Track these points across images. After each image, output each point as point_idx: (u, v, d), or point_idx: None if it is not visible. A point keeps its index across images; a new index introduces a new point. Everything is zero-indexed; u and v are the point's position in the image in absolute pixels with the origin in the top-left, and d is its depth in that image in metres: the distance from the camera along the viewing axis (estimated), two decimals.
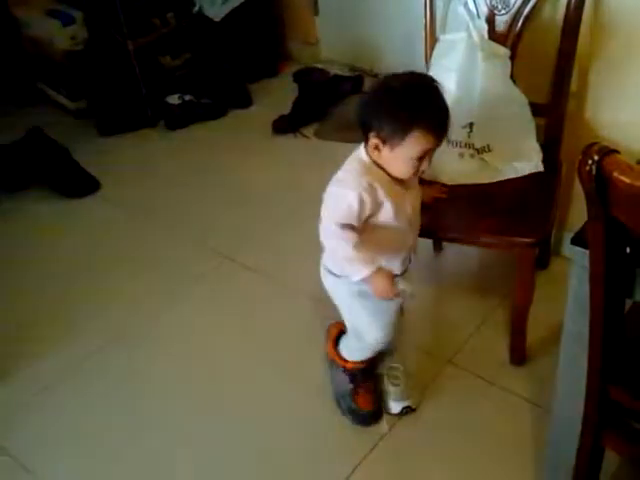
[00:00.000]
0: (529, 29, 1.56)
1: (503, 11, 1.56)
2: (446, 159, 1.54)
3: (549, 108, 1.59)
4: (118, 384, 1.69)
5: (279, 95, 2.68)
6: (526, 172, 1.56)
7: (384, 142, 1.19)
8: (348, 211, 1.21)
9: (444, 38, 1.58)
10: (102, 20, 2.56)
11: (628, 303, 1.02)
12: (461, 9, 1.55)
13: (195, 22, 2.72)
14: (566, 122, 1.60)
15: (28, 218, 2.27)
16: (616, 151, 0.82)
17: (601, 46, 1.56)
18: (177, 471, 1.50)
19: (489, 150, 1.56)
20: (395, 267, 1.33)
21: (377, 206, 1.23)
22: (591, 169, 0.81)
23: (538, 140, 1.58)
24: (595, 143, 0.82)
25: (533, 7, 1.54)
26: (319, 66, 2.75)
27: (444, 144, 1.52)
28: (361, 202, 1.20)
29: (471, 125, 1.54)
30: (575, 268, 1.02)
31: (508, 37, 1.56)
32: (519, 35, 1.56)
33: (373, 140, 1.20)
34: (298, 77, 2.73)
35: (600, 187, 0.82)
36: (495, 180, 1.56)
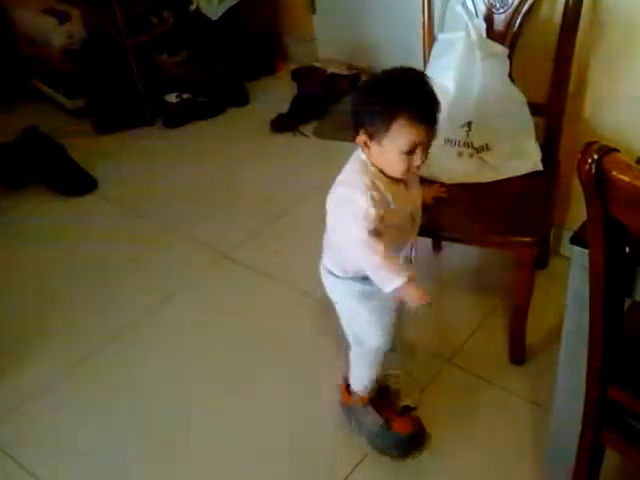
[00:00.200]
0: (527, 28, 1.56)
1: (501, 10, 1.56)
2: (445, 158, 1.54)
3: (548, 107, 1.59)
4: (117, 384, 1.69)
5: (277, 93, 2.68)
6: (525, 171, 1.56)
7: (371, 137, 1.17)
8: (367, 215, 1.16)
9: (442, 37, 1.58)
10: (99, 18, 2.55)
11: (627, 302, 1.02)
12: (459, 8, 1.55)
13: (192, 20, 2.71)
14: (565, 121, 1.60)
15: (25, 217, 2.26)
16: (615, 150, 0.81)
17: (600, 44, 1.56)
18: (177, 471, 1.50)
19: (488, 149, 1.56)
20: None
21: (386, 204, 1.19)
22: (590, 168, 0.81)
23: (537, 139, 1.58)
24: (594, 142, 0.82)
25: (531, 6, 1.54)
26: (317, 64, 2.75)
27: (442, 143, 1.54)
28: (374, 202, 1.17)
29: (469, 124, 1.53)
30: (574, 267, 1.02)
31: (506, 36, 1.56)
32: (517, 34, 1.56)
33: (362, 137, 1.18)
34: (296, 75, 2.73)
35: (599, 186, 0.82)
36: (494, 179, 1.56)
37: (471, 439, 1.48)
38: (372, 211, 1.16)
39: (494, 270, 1.86)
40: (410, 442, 1.44)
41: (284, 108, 2.56)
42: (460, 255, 1.92)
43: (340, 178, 1.24)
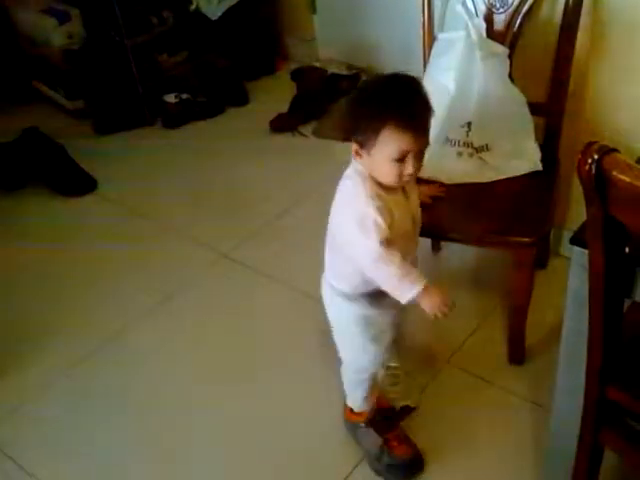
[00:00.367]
0: (527, 28, 1.56)
1: (501, 10, 1.56)
2: (444, 158, 1.54)
3: (548, 107, 1.59)
4: (117, 384, 1.69)
5: (276, 93, 2.68)
6: (524, 171, 1.56)
7: (361, 146, 1.14)
8: (378, 228, 1.13)
9: (442, 37, 1.58)
10: (99, 18, 2.55)
11: (627, 303, 1.02)
12: (459, 7, 1.55)
13: (192, 20, 2.71)
14: (564, 121, 1.60)
15: (25, 217, 2.26)
16: (616, 150, 0.81)
17: (600, 44, 1.56)
18: (177, 471, 1.50)
19: (487, 149, 1.56)
20: None
21: (390, 213, 1.16)
22: (591, 168, 0.81)
23: (536, 139, 1.58)
24: (595, 142, 0.82)
25: (531, 5, 1.54)
26: (316, 64, 2.75)
27: (442, 143, 1.54)
28: (381, 212, 1.14)
29: (469, 124, 1.53)
30: (574, 267, 1.02)
31: (506, 36, 1.56)
32: (517, 34, 1.56)
33: (353, 146, 1.16)
34: (295, 75, 2.73)
35: (599, 186, 0.82)
36: (493, 179, 1.56)
37: (470, 439, 1.47)
38: (380, 221, 1.13)
39: (493, 270, 1.86)
40: (407, 469, 1.42)
41: (284, 108, 2.56)
42: (459, 255, 1.92)
43: (341, 193, 1.21)
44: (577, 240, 0.98)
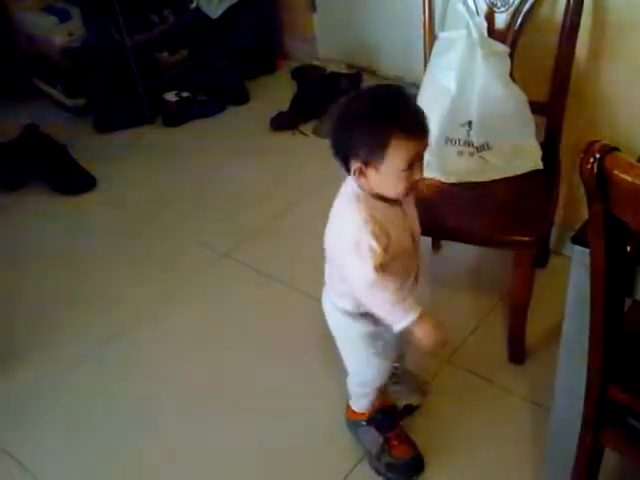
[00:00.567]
0: (529, 27, 1.56)
1: (502, 8, 1.56)
2: (445, 157, 1.53)
3: (548, 106, 1.59)
4: (117, 384, 1.69)
5: (277, 92, 2.68)
6: (525, 170, 1.56)
7: (366, 164, 1.11)
8: (373, 254, 1.12)
9: (443, 36, 1.58)
10: (99, 16, 2.55)
11: (628, 302, 1.02)
12: (460, 6, 1.55)
13: (192, 19, 2.70)
14: (565, 120, 1.60)
15: (25, 215, 2.26)
16: (617, 149, 0.81)
17: (601, 43, 1.56)
18: (177, 471, 1.49)
19: (488, 148, 1.55)
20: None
21: (387, 234, 1.14)
22: (592, 167, 0.81)
23: (537, 138, 1.57)
24: (596, 141, 0.82)
25: (533, 4, 1.54)
26: (316, 63, 2.75)
27: (443, 142, 1.54)
28: (376, 237, 1.12)
29: (470, 123, 1.53)
30: (575, 266, 1.02)
31: (507, 35, 1.56)
32: (518, 33, 1.56)
33: (355, 166, 1.12)
34: (296, 74, 2.73)
35: (601, 185, 0.82)
36: (494, 178, 1.55)
37: (470, 439, 1.47)
38: (375, 246, 1.12)
39: (493, 269, 1.86)
40: (407, 468, 1.41)
41: (284, 107, 2.56)
42: (459, 254, 1.91)
43: (337, 214, 1.19)
44: (578, 239, 0.98)
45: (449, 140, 1.54)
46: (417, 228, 1.27)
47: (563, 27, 1.51)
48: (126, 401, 1.64)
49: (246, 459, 1.50)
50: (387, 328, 1.23)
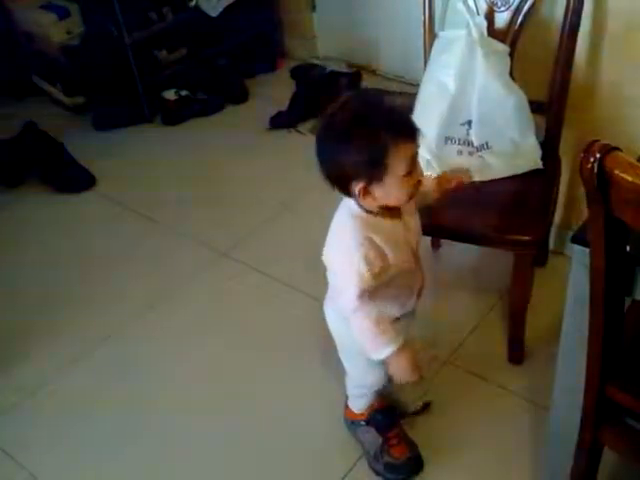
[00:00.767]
0: (529, 26, 1.56)
1: (503, 8, 1.55)
2: (444, 156, 1.53)
3: (548, 105, 1.58)
4: (116, 382, 1.68)
5: (276, 91, 2.67)
6: (525, 170, 1.56)
7: (370, 181, 1.07)
8: (360, 279, 1.11)
9: (443, 35, 1.58)
10: (98, 14, 2.54)
11: (627, 301, 1.02)
12: (460, 5, 1.54)
13: (192, 17, 2.70)
14: (565, 119, 1.60)
15: (23, 214, 2.26)
16: (617, 148, 0.81)
17: (601, 43, 1.56)
18: (176, 470, 1.49)
19: (488, 147, 1.55)
20: (410, 306, 1.28)
21: (384, 257, 1.13)
22: (592, 167, 0.81)
23: (537, 138, 1.57)
24: (596, 140, 0.82)
25: (533, 4, 1.53)
26: (316, 62, 2.74)
27: (442, 141, 1.53)
28: (368, 263, 1.11)
29: (470, 122, 1.53)
30: (575, 266, 1.02)
31: (507, 34, 1.55)
32: (519, 32, 1.55)
33: (358, 187, 1.08)
34: (295, 73, 2.72)
35: (601, 185, 0.82)
36: (493, 178, 1.55)
37: (469, 438, 1.47)
38: (364, 271, 1.10)
39: (493, 268, 1.86)
40: (406, 468, 1.41)
41: (283, 106, 2.55)
42: (459, 253, 1.91)
43: (332, 231, 1.18)
44: (578, 239, 0.98)
45: (449, 139, 1.54)
46: (419, 240, 1.24)
47: (563, 27, 1.51)
48: (125, 400, 1.64)
49: (245, 459, 1.50)
50: None
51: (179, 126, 2.60)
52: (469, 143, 1.55)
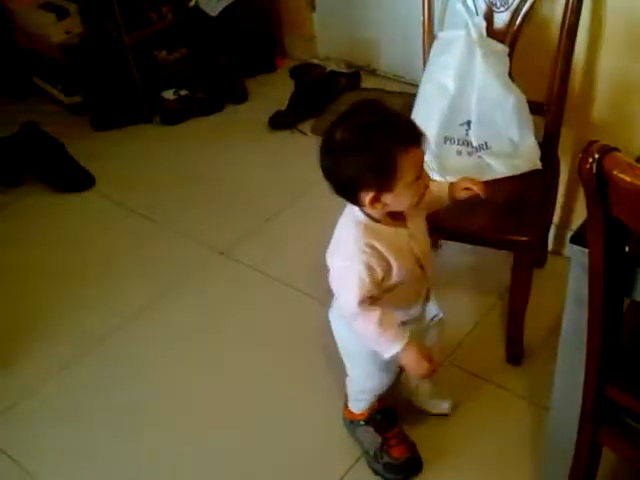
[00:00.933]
0: (528, 26, 1.56)
1: (502, 8, 1.56)
2: (444, 157, 1.53)
3: (547, 106, 1.59)
4: (114, 382, 1.68)
5: (275, 91, 2.67)
6: (524, 170, 1.56)
7: (380, 190, 1.07)
8: (361, 285, 1.12)
9: (442, 35, 1.58)
10: (97, 14, 2.54)
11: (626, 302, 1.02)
12: (459, 6, 1.54)
13: (191, 16, 2.70)
14: (564, 120, 1.60)
15: (23, 214, 2.26)
16: (616, 149, 0.81)
17: (600, 44, 1.56)
18: (176, 470, 1.49)
19: (487, 148, 1.55)
20: (415, 312, 1.29)
21: (387, 265, 1.13)
22: (591, 167, 0.81)
23: (536, 138, 1.57)
24: (595, 141, 0.82)
25: (532, 4, 1.53)
26: (316, 62, 2.74)
27: (441, 142, 1.53)
28: (370, 269, 1.11)
29: (469, 123, 1.53)
30: (574, 266, 1.02)
31: (507, 34, 1.55)
32: (518, 32, 1.55)
33: (368, 196, 1.08)
34: (295, 73, 2.72)
35: (600, 185, 0.82)
36: (493, 178, 1.55)
37: (468, 438, 1.47)
38: (365, 277, 1.11)
39: (492, 268, 1.86)
40: (405, 468, 1.41)
41: (283, 105, 2.55)
42: (458, 253, 1.91)
43: (335, 237, 1.18)
44: (577, 239, 0.98)
45: (448, 139, 1.54)
46: (426, 248, 1.23)
47: (562, 27, 1.51)
48: (125, 400, 1.64)
49: (244, 458, 1.50)
50: None
51: (178, 126, 2.60)
52: (468, 143, 1.55)
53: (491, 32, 1.54)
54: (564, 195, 1.74)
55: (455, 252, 1.92)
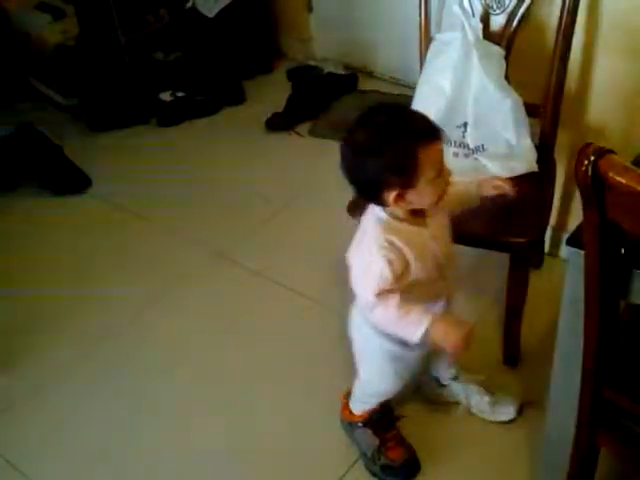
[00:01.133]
0: (524, 29, 1.56)
1: (498, 11, 1.56)
2: None
3: (543, 108, 1.59)
4: (112, 384, 1.68)
5: (273, 92, 2.67)
6: (520, 172, 1.55)
7: (403, 187, 1.08)
8: (381, 279, 1.13)
9: (439, 37, 1.58)
10: (94, 15, 2.54)
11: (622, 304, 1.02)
12: (456, 8, 1.55)
13: (188, 18, 2.70)
14: (561, 122, 1.60)
15: (19, 216, 2.25)
16: (612, 151, 0.82)
17: (596, 46, 1.56)
18: (176, 471, 1.49)
19: (483, 150, 1.56)
20: (435, 312, 1.25)
21: (405, 261, 1.14)
22: (587, 170, 0.81)
23: (532, 140, 1.58)
24: (591, 143, 0.82)
25: (528, 7, 1.54)
26: (313, 64, 2.75)
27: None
28: (390, 263, 1.12)
29: (465, 125, 1.53)
30: (570, 268, 1.02)
31: (503, 37, 1.56)
32: (514, 35, 1.56)
33: (392, 195, 1.09)
34: (292, 75, 2.72)
35: (596, 188, 0.82)
36: None
37: (466, 440, 1.48)
38: (387, 272, 1.12)
39: (488, 270, 1.86)
40: (403, 470, 1.42)
41: (280, 107, 2.55)
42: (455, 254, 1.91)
43: (360, 230, 1.19)
44: (573, 241, 0.98)
45: (445, 141, 1.54)
46: (447, 251, 1.23)
47: (559, 29, 1.51)
48: (124, 401, 1.64)
49: (243, 459, 1.49)
50: (412, 348, 1.23)
51: (175, 127, 2.60)
52: (465, 145, 1.55)
53: (487, 34, 1.55)
54: (560, 197, 1.74)
55: None
